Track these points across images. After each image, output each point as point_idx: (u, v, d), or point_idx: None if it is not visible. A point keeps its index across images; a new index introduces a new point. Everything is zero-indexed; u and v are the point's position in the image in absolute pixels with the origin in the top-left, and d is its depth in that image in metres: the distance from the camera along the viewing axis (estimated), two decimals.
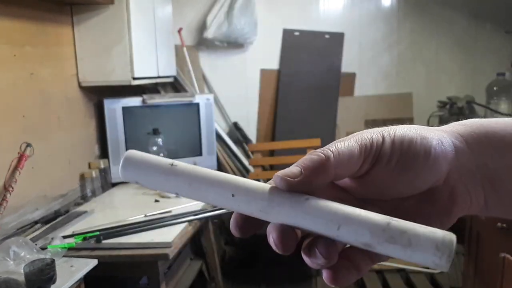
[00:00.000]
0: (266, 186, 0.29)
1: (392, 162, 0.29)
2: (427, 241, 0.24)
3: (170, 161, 0.30)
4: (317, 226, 0.27)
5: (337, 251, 0.27)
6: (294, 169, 0.28)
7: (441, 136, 0.31)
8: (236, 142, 3.08)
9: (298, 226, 0.28)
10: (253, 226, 0.31)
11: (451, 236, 0.25)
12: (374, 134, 0.30)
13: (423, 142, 0.30)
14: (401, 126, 0.31)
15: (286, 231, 0.28)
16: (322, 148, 0.29)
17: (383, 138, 0.30)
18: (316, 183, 0.28)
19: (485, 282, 1.89)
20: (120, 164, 0.30)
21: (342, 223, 0.26)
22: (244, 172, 3.00)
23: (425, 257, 0.24)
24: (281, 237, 0.28)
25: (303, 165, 0.28)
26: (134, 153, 0.30)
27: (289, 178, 0.28)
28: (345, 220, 0.26)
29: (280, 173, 0.29)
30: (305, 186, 0.28)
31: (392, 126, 0.31)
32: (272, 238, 0.29)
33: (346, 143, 0.29)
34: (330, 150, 0.29)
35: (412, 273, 2.60)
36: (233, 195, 0.29)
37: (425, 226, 0.25)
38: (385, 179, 0.30)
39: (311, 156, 0.29)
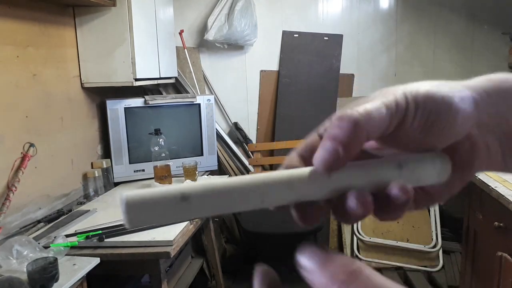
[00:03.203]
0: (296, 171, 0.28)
1: (415, 123, 0.29)
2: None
3: (178, 192, 0.25)
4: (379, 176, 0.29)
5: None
6: (328, 149, 0.26)
7: (463, 93, 0.30)
8: (236, 142, 3.11)
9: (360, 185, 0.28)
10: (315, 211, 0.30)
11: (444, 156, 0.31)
12: (398, 94, 0.28)
13: (445, 100, 0.29)
14: (422, 83, 0.30)
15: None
16: (351, 111, 0.27)
17: (407, 99, 0.28)
18: (350, 154, 0.27)
19: (482, 280, 1.91)
20: (123, 212, 0.24)
21: (403, 163, 0.29)
22: (244, 171, 3.03)
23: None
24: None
25: (336, 140, 0.26)
26: (133, 196, 0.24)
27: (330, 163, 0.26)
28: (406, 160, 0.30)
29: (320, 159, 0.26)
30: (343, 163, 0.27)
31: (413, 84, 0.30)
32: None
33: (374, 104, 0.27)
34: (360, 113, 0.27)
35: (410, 272, 2.62)
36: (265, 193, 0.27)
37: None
38: (407, 138, 0.30)
39: (341, 124, 0.26)
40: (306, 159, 0.31)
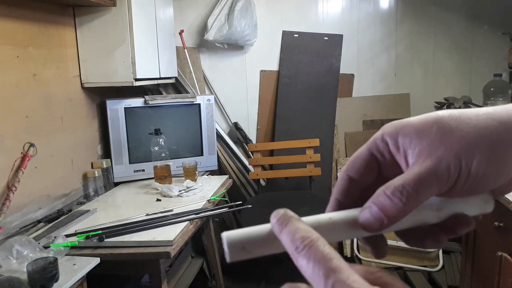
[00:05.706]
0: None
1: (464, 188, 0.30)
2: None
3: (268, 227, 0.29)
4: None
5: None
6: (375, 216, 0.29)
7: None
8: (236, 142, 3.11)
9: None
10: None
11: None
12: (452, 164, 0.29)
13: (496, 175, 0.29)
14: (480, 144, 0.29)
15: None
16: (402, 186, 0.28)
17: (460, 169, 0.29)
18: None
19: (482, 280, 1.91)
20: (226, 251, 0.28)
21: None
22: (244, 171, 3.03)
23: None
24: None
25: (384, 212, 0.29)
26: (232, 235, 0.29)
27: (373, 227, 0.29)
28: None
29: (365, 221, 0.29)
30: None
31: (467, 143, 0.29)
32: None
33: (424, 174, 0.28)
34: (410, 193, 0.28)
35: (410, 271, 2.62)
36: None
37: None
38: (455, 194, 0.31)
39: (394, 198, 0.28)
40: (342, 203, 0.34)
